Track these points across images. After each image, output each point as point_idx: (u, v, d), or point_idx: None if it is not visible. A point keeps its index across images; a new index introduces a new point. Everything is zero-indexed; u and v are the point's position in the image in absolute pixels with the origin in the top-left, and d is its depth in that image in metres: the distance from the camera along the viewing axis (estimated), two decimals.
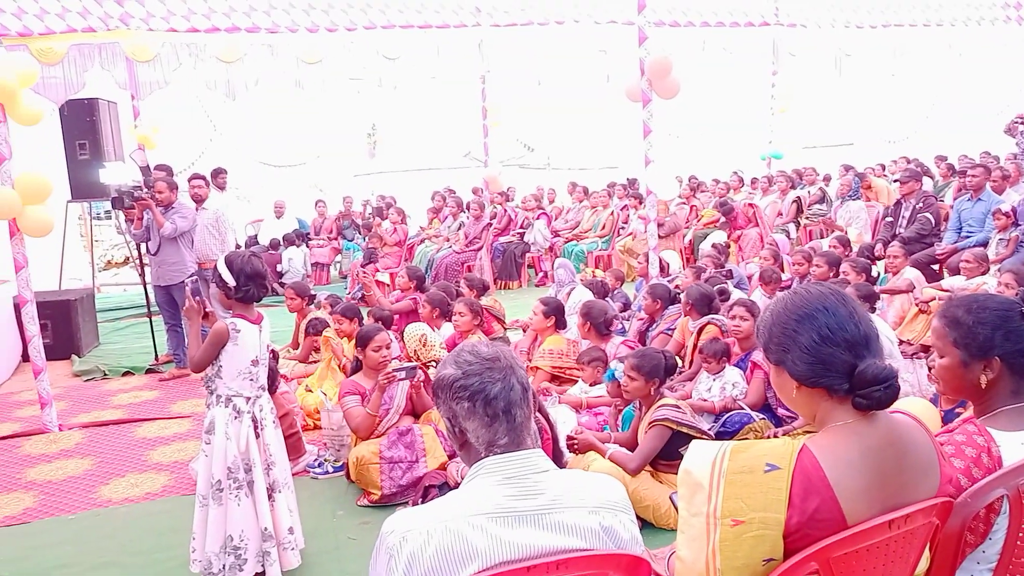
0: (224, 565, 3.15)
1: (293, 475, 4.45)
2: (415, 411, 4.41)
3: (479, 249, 10.63)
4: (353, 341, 5.76)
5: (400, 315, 6.70)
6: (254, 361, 3.25)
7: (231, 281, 3.18)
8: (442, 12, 9.84)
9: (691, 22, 10.52)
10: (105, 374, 7.03)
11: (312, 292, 7.01)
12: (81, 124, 8.89)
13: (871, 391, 1.56)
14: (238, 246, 9.29)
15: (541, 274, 10.99)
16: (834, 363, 1.59)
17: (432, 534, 1.51)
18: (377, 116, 14.61)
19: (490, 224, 10.97)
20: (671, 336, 5.67)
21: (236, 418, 3.21)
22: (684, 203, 11.93)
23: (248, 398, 3.26)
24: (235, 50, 9.57)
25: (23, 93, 5.29)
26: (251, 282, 3.20)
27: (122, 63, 9.46)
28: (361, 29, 9.68)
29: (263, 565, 3.22)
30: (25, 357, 7.18)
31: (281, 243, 11.76)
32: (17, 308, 6.89)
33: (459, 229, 11.18)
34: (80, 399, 6.33)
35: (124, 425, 5.59)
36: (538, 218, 11.18)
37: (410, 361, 4.73)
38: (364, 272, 8.43)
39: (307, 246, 12.12)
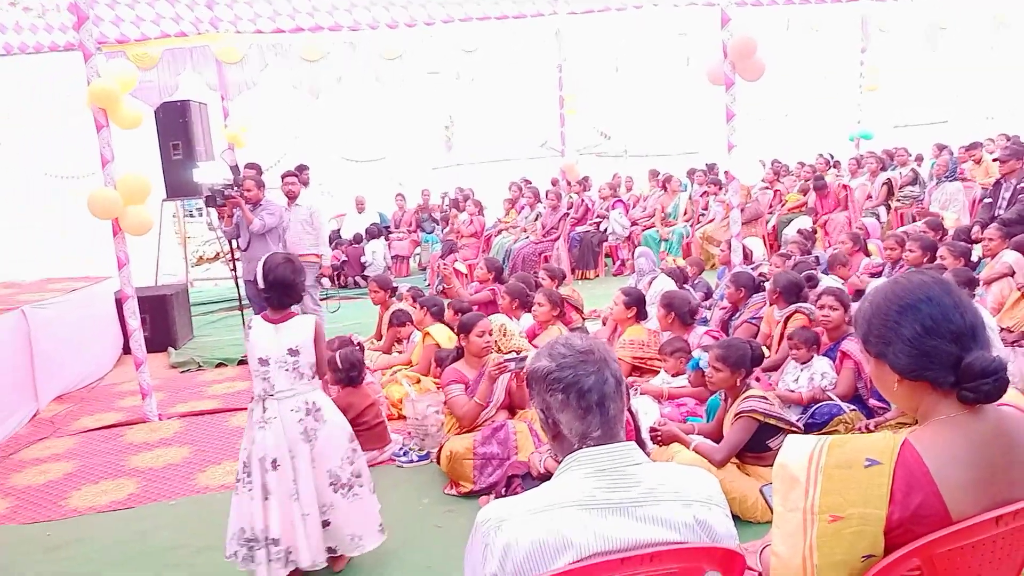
0: (236, 553, 3.19)
1: (378, 463, 4.59)
2: (512, 405, 4.43)
3: (556, 239, 10.62)
4: (422, 332, 5.88)
5: (479, 306, 6.75)
6: (262, 360, 3.21)
7: (261, 284, 3.31)
8: (519, 2, 9.83)
9: (775, 0, 10.21)
10: (200, 365, 7.34)
11: (394, 284, 7.13)
12: (174, 125, 9.31)
13: (979, 384, 1.49)
14: (331, 239, 9.54)
15: (618, 263, 10.90)
16: (939, 356, 1.52)
17: (527, 524, 1.53)
18: (454, 108, 14.73)
19: (567, 214, 10.93)
20: (756, 325, 5.55)
21: (259, 415, 3.22)
22: (768, 188, 11.61)
23: (261, 396, 3.22)
24: (318, 49, 9.82)
25: (124, 98, 5.55)
26: (273, 290, 3.28)
27: (212, 65, 9.82)
28: (439, 23, 9.78)
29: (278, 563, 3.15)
30: (126, 350, 7.56)
31: (364, 237, 12.02)
32: (118, 303, 7.27)
33: (536, 219, 11.18)
34: (177, 389, 6.63)
35: (219, 415, 5.83)
36: (614, 207, 11.08)
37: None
38: (444, 264, 8.52)
39: (387, 239, 12.35)
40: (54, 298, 6.72)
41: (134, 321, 5.73)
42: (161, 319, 7.89)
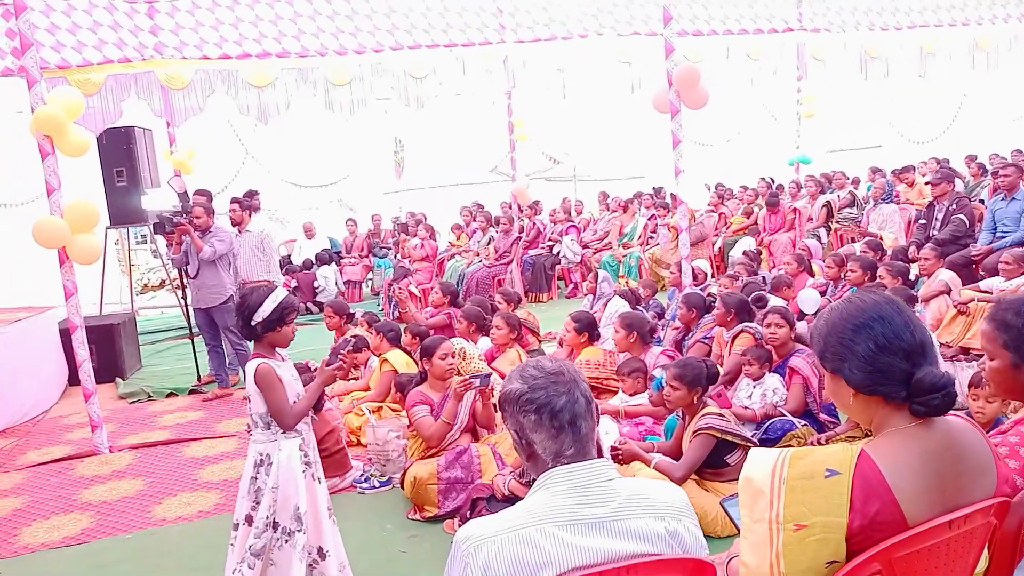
0: None
1: (339, 491, 4.57)
2: (476, 427, 4.47)
3: (509, 263, 10.72)
4: (379, 357, 5.88)
5: (436, 330, 6.77)
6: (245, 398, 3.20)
7: (263, 317, 3.11)
8: (467, 31, 10.00)
9: (714, 31, 10.57)
10: (150, 396, 7.19)
11: (350, 310, 7.12)
12: (118, 152, 9.14)
13: (929, 398, 1.60)
14: (282, 265, 9.46)
15: (571, 286, 11.04)
16: (892, 372, 1.63)
17: (505, 542, 1.57)
18: (404, 134, 14.79)
19: (519, 237, 11.05)
20: (708, 344, 5.69)
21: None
22: (712, 211, 11.93)
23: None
24: (266, 75, 9.77)
25: (70, 125, 5.46)
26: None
27: (157, 91, 9.67)
28: (388, 50, 9.86)
29: None
30: (72, 381, 7.37)
31: (314, 262, 11.93)
32: (63, 333, 7.10)
33: (489, 243, 11.27)
34: (128, 421, 6.48)
35: (172, 445, 5.72)
36: (567, 231, 11.25)
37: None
38: (399, 288, 8.53)
39: (338, 265, 12.28)
40: None
41: (83, 351, 5.60)
42: (108, 349, 7.72)
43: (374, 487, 4.62)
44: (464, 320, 6.19)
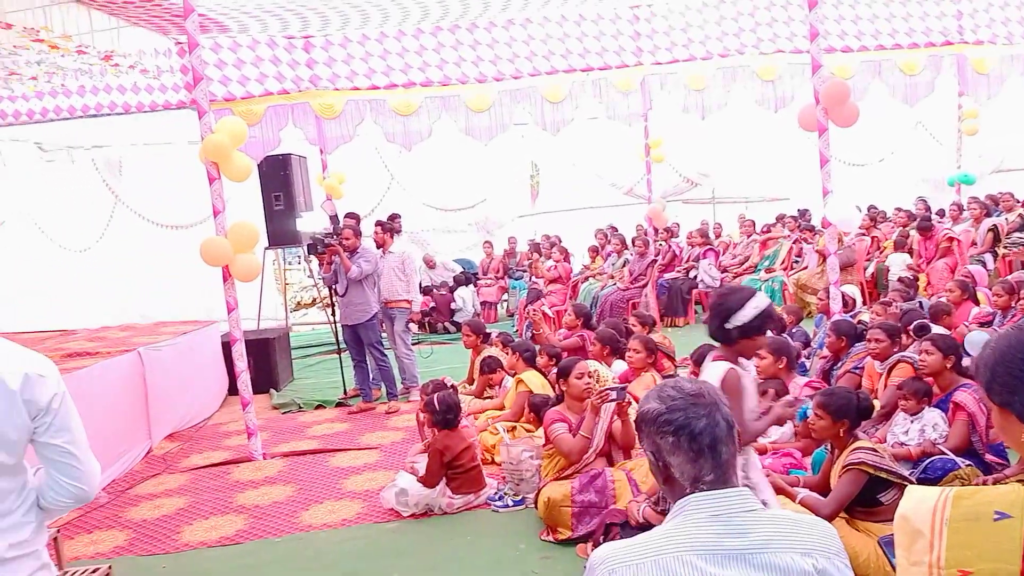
0: None
1: (474, 507, 4.65)
2: (615, 447, 4.44)
3: (644, 286, 10.58)
4: (515, 378, 5.95)
5: (568, 351, 6.78)
6: None
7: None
8: (604, 55, 10.04)
9: (865, 47, 10.09)
10: (300, 407, 7.60)
11: (487, 330, 7.25)
12: (276, 178, 9.81)
13: None
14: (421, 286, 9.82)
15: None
16: None
17: (641, 568, 1.54)
18: (540, 158, 14.98)
19: (655, 260, 10.90)
20: (858, 376, 5.38)
21: None
22: (864, 234, 11.31)
23: None
24: (410, 103, 10.23)
25: (234, 152, 5.91)
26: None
27: (312, 120, 10.32)
28: (527, 76, 10.07)
29: None
30: (231, 391, 7.91)
31: (452, 283, 12.27)
32: (225, 346, 7.65)
33: (623, 266, 11.19)
34: (280, 430, 6.87)
35: (319, 455, 6.01)
36: (705, 255, 10.99)
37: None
38: (533, 309, 8.61)
39: (475, 286, 12.56)
40: (166, 341, 7.10)
41: (242, 363, 6.01)
42: (264, 362, 8.22)
43: (507, 506, 4.66)
44: (598, 342, 6.17)
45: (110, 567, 3.79)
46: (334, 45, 9.84)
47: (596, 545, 3.73)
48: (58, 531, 3.92)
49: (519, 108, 10.49)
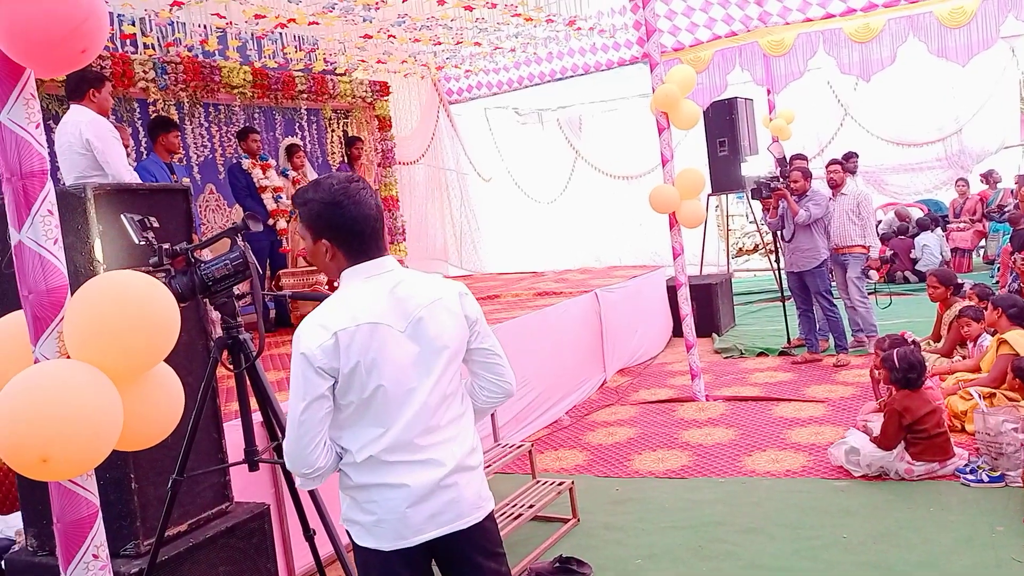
0: None
1: (938, 477, 4.16)
2: None
3: None
4: (996, 337, 5.06)
5: None
6: None
7: None
8: None
9: None
10: (742, 353, 7.58)
11: (958, 281, 6.36)
12: (721, 123, 9.76)
13: None
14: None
15: None
16: None
17: None
18: None
19: None
20: None
21: None
22: None
23: None
24: (870, 28, 9.26)
25: (683, 101, 6.01)
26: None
27: (760, 60, 10.00)
28: None
29: None
30: (675, 333, 8.25)
31: (912, 227, 10.98)
32: (671, 290, 7.97)
33: None
34: (721, 374, 6.95)
35: (761, 403, 5.94)
36: None
37: None
38: (1022, 258, 7.29)
39: (943, 230, 11.07)
40: (618, 284, 7.66)
41: (686, 307, 6.18)
42: (706, 306, 8.37)
43: (981, 481, 4.07)
44: None
45: (572, 482, 4.25)
46: None
47: None
48: (532, 444, 4.53)
49: (1009, 17, 8.79)
